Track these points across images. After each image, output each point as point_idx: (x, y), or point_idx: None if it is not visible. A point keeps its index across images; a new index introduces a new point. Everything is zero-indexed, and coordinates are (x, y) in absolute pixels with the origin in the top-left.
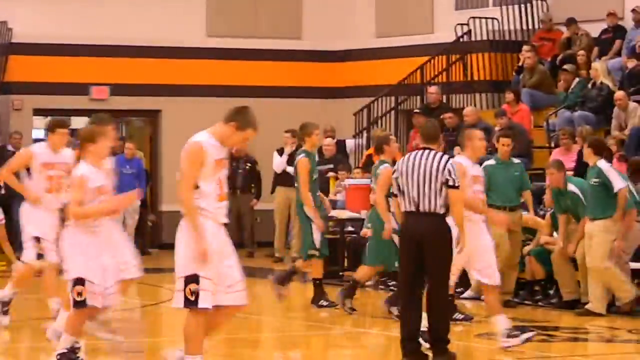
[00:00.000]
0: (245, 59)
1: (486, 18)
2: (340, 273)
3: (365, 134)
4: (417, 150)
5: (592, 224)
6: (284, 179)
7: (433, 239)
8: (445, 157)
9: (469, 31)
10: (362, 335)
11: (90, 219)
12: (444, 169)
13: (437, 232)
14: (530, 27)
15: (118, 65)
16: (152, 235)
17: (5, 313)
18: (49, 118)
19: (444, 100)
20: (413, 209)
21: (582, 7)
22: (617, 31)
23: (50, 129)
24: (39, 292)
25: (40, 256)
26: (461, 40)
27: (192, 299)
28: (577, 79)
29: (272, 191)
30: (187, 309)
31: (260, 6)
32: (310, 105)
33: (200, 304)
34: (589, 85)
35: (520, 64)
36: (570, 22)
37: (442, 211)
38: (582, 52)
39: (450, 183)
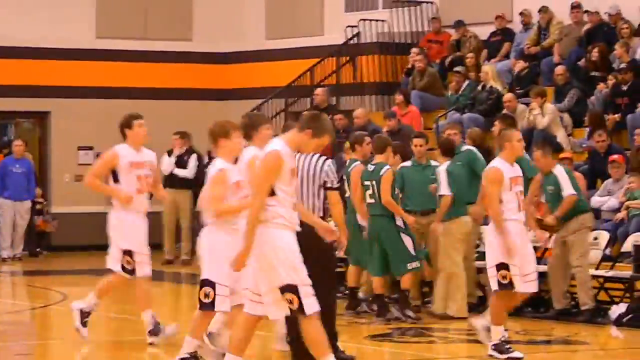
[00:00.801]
0: (135, 61)
1: (376, 20)
2: None
3: None
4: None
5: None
6: (172, 182)
7: (313, 240)
8: (324, 158)
9: (359, 33)
10: None
11: (230, 216)
12: (320, 170)
13: (318, 236)
14: (420, 29)
15: (6, 66)
16: (42, 238)
17: (85, 325)
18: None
19: (335, 102)
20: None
21: (471, 9)
22: (506, 34)
23: (125, 124)
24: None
25: (129, 270)
26: (351, 42)
27: (293, 308)
28: (466, 81)
29: None
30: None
31: (150, 8)
32: (201, 107)
33: (308, 311)
34: (479, 88)
35: (409, 66)
36: (459, 24)
37: (321, 213)
38: (471, 54)
39: (329, 185)
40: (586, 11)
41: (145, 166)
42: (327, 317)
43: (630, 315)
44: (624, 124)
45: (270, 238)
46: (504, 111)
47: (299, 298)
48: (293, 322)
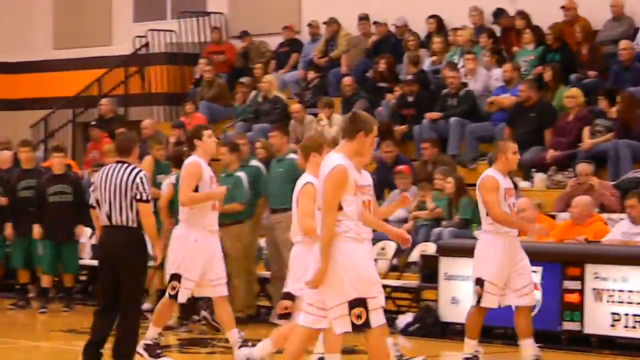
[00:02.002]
0: None
1: (164, 30)
2: None
3: (42, 146)
4: (112, 164)
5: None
6: None
7: (125, 253)
8: (136, 170)
9: (147, 43)
10: None
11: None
12: (133, 182)
13: (129, 246)
14: (208, 39)
15: None
16: None
17: (158, 356)
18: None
19: (123, 113)
20: (107, 222)
21: (259, 20)
22: (294, 45)
23: (194, 135)
24: None
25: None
26: (139, 52)
27: (359, 322)
28: (254, 92)
29: None
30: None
31: None
32: None
33: (374, 324)
34: (260, 99)
35: (197, 76)
36: (246, 35)
37: (135, 225)
38: (259, 65)
39: (138, 197)
40: (375, 22)
41: (214, 180)
42: (128, 330)
43: (417, 325)
44: (411, 135)
45: (339, 253)
46: (292, 121)
47: (367, 312)
48: (95, 330)
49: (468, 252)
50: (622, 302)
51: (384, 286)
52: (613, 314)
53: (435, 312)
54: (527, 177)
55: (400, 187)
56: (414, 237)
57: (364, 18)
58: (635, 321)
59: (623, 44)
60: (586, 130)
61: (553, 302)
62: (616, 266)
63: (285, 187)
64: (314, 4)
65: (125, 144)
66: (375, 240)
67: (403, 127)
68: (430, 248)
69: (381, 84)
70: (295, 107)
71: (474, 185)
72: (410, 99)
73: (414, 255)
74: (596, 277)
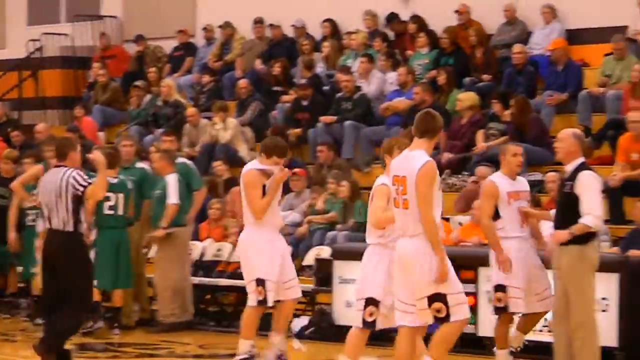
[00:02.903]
0: None
1: (58, 34)
2: None
3: None
4: (52, 168)
5: None
6: None
7: (62, 255)
8: (69, 172)
9: (41, 47)
10: None
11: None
12: (67, 185)
13: (66, 249)
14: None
15: None
16: None
17: None
18: None
19: (17, 117)
20: (48, 225)
21: (154, 24)
22: (189, 48)
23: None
24: None
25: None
26: (33, 56)
27: (442, 315)
28: (148, 96)
29: None
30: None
31: None
32: None
33: (453, 318)
34: (160, 102)
35: (91, 80)
36: (141, 39)
37: (72, 228)
38: (153, 69)
39: (80, 192)
40: (270, 24)
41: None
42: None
43: (312, 328)
44: (306, 138)
45: (429, 249)
46: (187, 125)
47: (447, 307)
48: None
49: (362, 255)
50: None
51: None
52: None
53: (330, 316)
54: None
55: (295, 190)
56: (309, 240)
57: (258, 21)
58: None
59: (516, 48)
60: (480, 134)
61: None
62: None
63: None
64: (209, 8)
65: (62, 149)
66: None
67: (297, 130)
68: (324, 252)
69: (276, 88)
70: (190, 111)
71: (369, 188)
72: (304, 102)
73: (309, 259)
74: (490, 280)
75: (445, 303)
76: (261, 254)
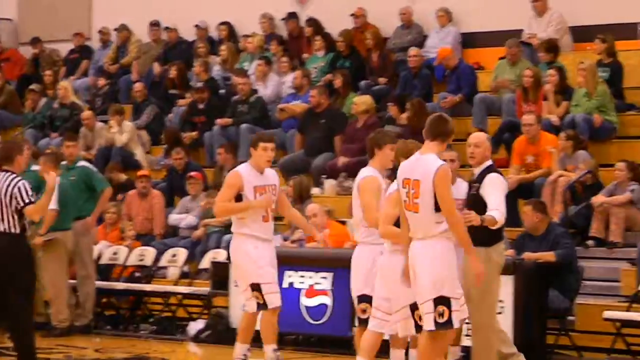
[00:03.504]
0: None
1: None
2: None
3: None
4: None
5: None
6: None
7: (8, 260)
8: (16, 180)
9: None
10: None
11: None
12: (12, 192)
13: (12, 253)
14: None
15: None
16: None
17: None
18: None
19: None
20: None
21: (49, 27)
22: (85, 51)
23: (253, 144)
24: None
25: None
26: None
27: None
28: (44, 99)
29: None
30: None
31: None
32: None
33: (455, 324)
34: (57, 105)
35: None
36: (36, 41)
37: (17, 231)
38: (49, 72)
39: (20, 207)
40: (166, 28)
41: (268, 190)
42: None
43: (208, 332)
44: (202, 141)
45: (445, 251)
46: (82, 128)
47: (450, 311)
48: None
49: None
50: None
51: (175, 293)
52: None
53: (226, 319)
54: (317, 183)
55: (191, 193)
56: (205, 244)
57: (155, 24)
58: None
59: (412, 51)
60: None
61: (344, 308)
62: None
63: (80, 195)
64: (105, 11)
65: (7, 153)
66: (166, 247)
67: (193, 133)
68: (221, 255)
69: (172, 91)
70: (86, 114)
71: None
72: (200, 105)
73: (205, 262)
74: None
75: (449, 307)
76: (250, 259)
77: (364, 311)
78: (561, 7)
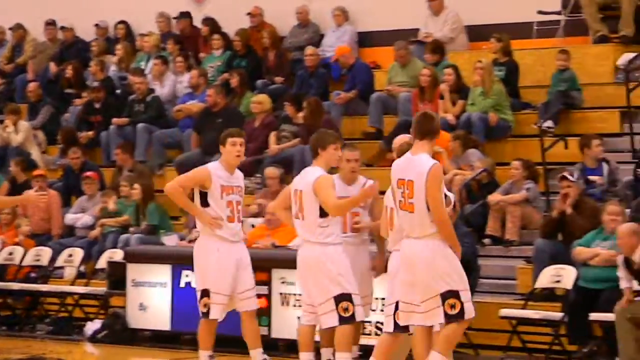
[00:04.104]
0: None
1: None
2: None
3: None
4: None
5: None
6: None
7: None
8: None
9: None
10: None
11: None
12: None
13: None
14: None
15: None
16: None
17: None
18: None
19: None
20: None
21: None
22: None
23: (221, 141)
24: None
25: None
26: None
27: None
28: None
29: None
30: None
31: None
32: None
33: (467, 315)
34: None
35: None
36: None
37: None
38: None
39: None
40: (62, 27)
41: (236, 191)
42: None
43: (105, 332)
44: (98, 141)
45: (443, 246)
46: None
47: (461, 303)
48: None
49: (155, 258)
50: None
51: (72, 293)
52: (299, 318)
53: (124, 319)
54: None
55: (88, 193)
56: (102, 244)
57: (51, 23)
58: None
59: (309, 50)
60: (272, 136)
61: None
62: None
63: None
64: (0, 10)
65: None
66: (63, 247)
67: (90, 133)
68: (117, 255)
69: (68, 90)
70: None
71: (162, 191)
72: (97, 105)
73: (102, 262)
74: (283, 282)
75: (459, 299)
76: (208, 262)
77: (345, 310)
78: (457, 7)
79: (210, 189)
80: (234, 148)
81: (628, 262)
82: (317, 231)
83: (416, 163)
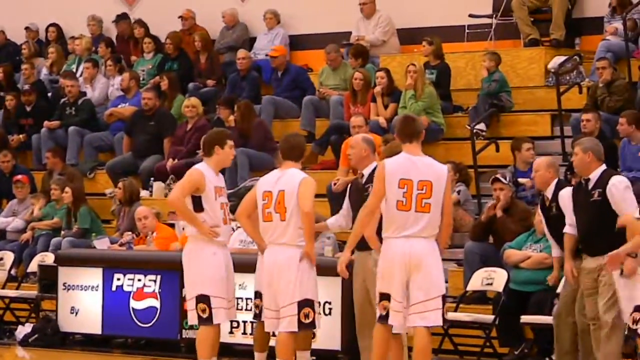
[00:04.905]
0: None
1: None
2: None
3: None
4: None
5: None
6: None
7: None
8: None
9: None
10: None
11: None
12: None
13: None
14: None
15: None
16: None
17: None
18: None
19: None
20: None
21: None
22: None
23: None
24: None
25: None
26: None
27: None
28: None
29: None
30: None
31: None
32: None
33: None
34: None
35: None
36: None
37: None
38: None
39: None
40: None
41: (224, 193)
42: None
43: (36, 335)
44: (29, 144)
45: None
46: None
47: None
48: None
49: (86, 261)
50: (240, 310)
51: (2, 297)
52: (232, 321)
53: (55, 323)
54: (146, 186)
55: (18, 197)
56: (33, 247)
57: None
58: (253, 328)
59: (241, 53)
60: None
61: (172, 310)
62: (236, 274)
63: None
64: None
65: None
66: None
67: (21, 136)
68: (49, 258)
69: None
70: None
71: (93, 194)
72: (28, 108)
73: (33, 266)
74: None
75: (444, 305)
76: (205, 267)
77: (305, 316)
78: (389, 10)
79: (204, 192)
80: (231, 151)
81: (543, 202)
82: (296, 233)
83: (427, 164)
